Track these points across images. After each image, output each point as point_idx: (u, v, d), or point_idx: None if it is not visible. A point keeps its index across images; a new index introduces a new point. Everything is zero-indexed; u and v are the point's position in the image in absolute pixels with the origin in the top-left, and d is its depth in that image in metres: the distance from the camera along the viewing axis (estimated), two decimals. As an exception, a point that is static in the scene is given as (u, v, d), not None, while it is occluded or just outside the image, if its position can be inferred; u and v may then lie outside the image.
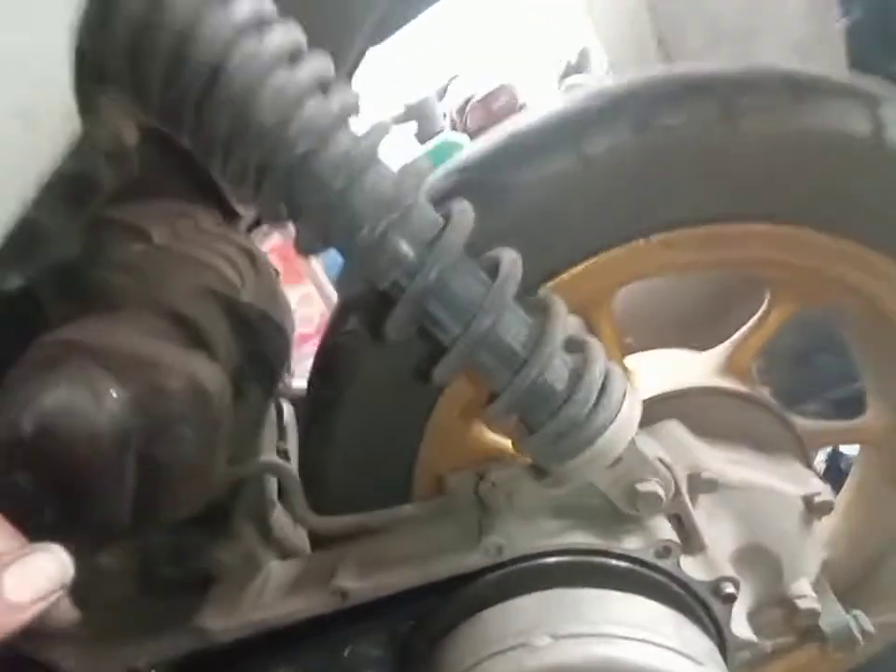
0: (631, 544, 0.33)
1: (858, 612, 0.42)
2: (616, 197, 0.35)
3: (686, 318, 0.58)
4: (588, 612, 0.30)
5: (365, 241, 0.27)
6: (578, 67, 1.66)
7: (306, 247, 0.29)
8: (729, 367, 0.44)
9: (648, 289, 0.47)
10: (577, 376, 0.30)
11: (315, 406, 0.40)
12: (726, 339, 0.46)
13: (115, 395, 0.30)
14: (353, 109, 0.27)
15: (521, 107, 1.71)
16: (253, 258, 0.44)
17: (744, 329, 0.44)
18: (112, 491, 0.30)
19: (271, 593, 0.37)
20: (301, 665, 0.35)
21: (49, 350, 0.30)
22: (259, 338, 0.39)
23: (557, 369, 0.30)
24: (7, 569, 0.22)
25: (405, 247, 0.28)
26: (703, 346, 0.48)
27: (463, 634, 0.32)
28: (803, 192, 0.35)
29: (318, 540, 0.41)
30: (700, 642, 0.32)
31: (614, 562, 0.33)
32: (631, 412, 0.31)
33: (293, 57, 0.26)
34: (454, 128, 1.79)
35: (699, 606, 0.34)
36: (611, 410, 0.30)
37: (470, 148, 0.37)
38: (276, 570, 0.38)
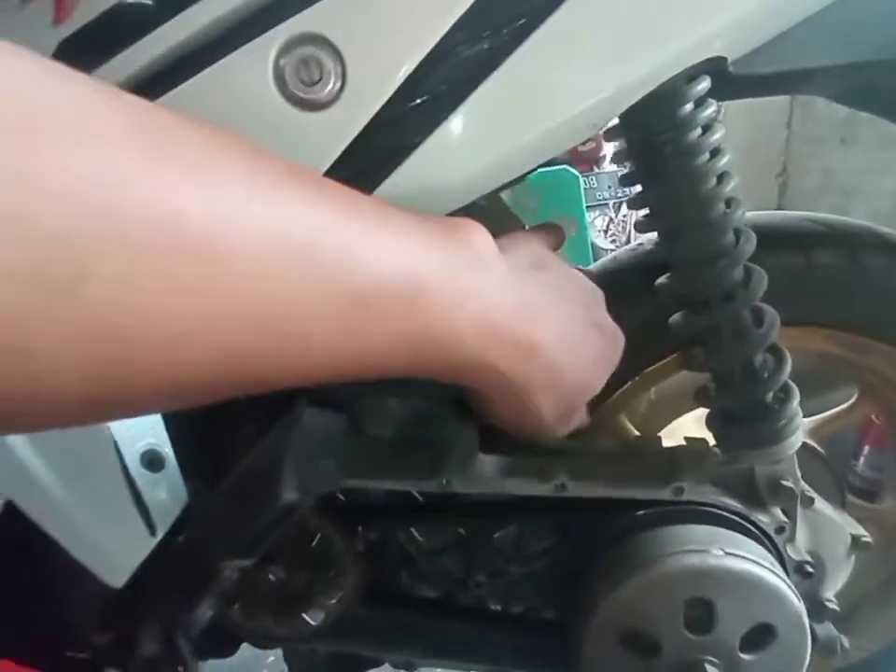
0: (763, 517, 0.48)
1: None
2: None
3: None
4: (741, 545, 0.45)
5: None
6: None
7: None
8: (815, 432, 0.61)
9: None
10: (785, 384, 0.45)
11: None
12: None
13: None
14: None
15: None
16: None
17: (834, 410, 0.62)
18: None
19: (492, 471, 0.50)
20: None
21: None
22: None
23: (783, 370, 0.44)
24: None
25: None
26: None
27: (648, 538, 0.46)
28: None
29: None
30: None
31: (750, 526, 0.48)
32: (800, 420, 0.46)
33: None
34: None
35: (788, 570, 0.49)
36: (799, 416, 0.46)
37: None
38: (488, 459, 0.51)
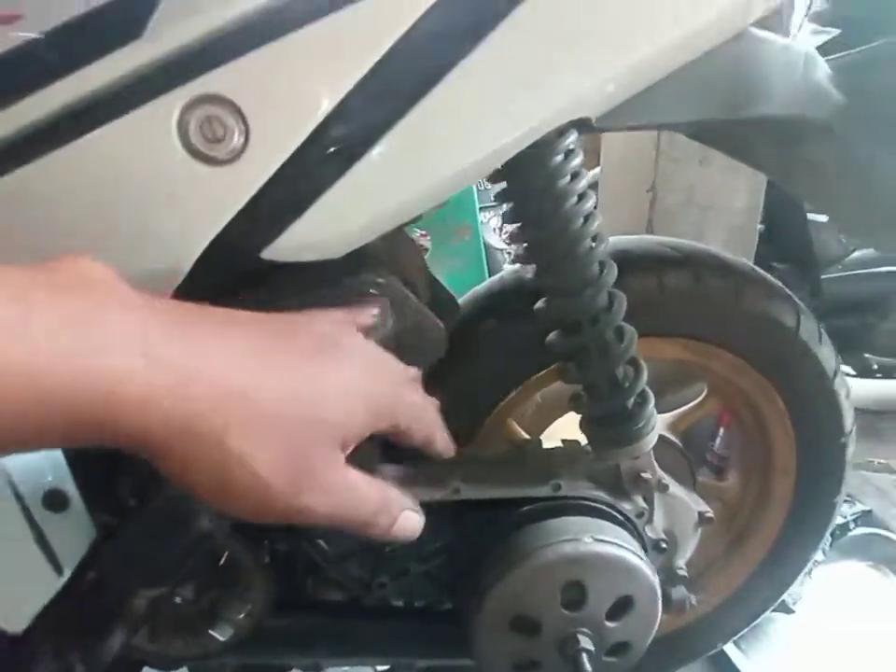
0: (627, 505, 0.56)
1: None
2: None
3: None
4: (607, 531, 0.52)
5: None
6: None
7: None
8: (672, 426, 0.71)
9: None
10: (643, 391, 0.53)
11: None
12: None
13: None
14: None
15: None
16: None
17: (687, 406, 0.71)
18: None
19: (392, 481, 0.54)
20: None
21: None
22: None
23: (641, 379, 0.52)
24: None
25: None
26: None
27: (530, 531, 0.52)
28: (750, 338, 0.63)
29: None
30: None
31: (616, 513, 0.56)
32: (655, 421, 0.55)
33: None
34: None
35: (647, 548, 0.57)
36: (654, 417, 0.53)
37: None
38: (388, 469, 0.55)
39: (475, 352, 0.59)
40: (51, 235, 0.34)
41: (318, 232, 0.37)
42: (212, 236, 0.36)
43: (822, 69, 0.51)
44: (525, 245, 0.49)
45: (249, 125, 0.34)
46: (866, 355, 1.58)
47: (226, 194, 0.35)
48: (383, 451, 0.51)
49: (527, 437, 0.66)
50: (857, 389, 1.87)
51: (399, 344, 0.47)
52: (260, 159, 0.34)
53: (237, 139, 0.34)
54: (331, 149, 0.36)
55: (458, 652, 0.56)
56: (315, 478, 0.28)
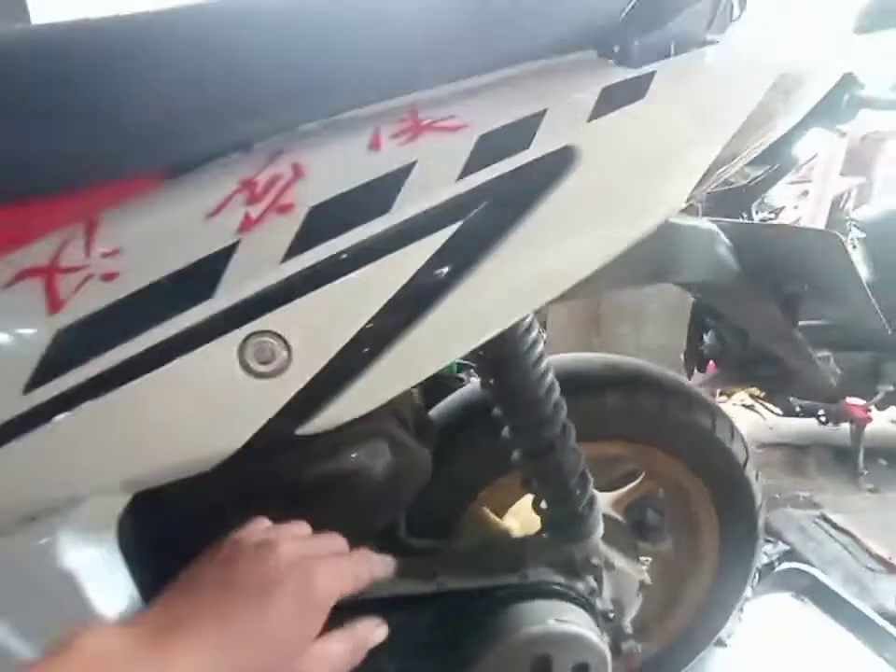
0: (581, 585, 0.69)
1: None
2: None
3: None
4: (567, 612, 0.65)
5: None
6: None
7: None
8: (616, 503, 0.84)
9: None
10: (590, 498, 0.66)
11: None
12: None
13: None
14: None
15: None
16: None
17: (628, 487, 0.85)
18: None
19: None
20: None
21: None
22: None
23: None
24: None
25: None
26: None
27: (505, 613, 0.64)
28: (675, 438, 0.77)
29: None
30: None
31: (573, 594, 0.68)
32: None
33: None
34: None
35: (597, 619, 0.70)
36: (599, 517, 0.66)
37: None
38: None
39: (453, 460, 0.71)
40: (139, 438, 0.45)
41: (344, 413, 0.48)
42: (257, 428, 0.47)
43: (723, 243, 0.65)
44: (494, 394, 0.62)
45: (292, 349, 0.45)
46: (790, 398, 1.77)
47: (270, 398, 0.46)
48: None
49: (499, 521, 0.78)
50: (783, 427, 2.07)
51: (392, 479, 0.58)
52: (299, 372, 0.45)
53: (282, 359, 0.45)
54: (355, 358, 0.47)
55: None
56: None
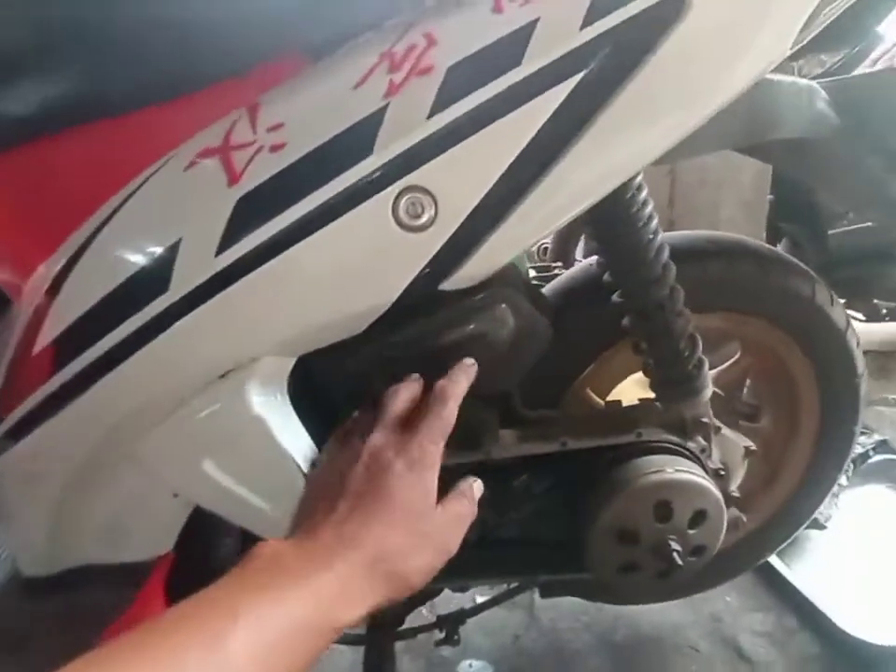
0: (692, 444, 0.73)
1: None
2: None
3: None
4: (682, 464, 0.69)
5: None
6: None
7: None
8: (716, 380, 0.87)
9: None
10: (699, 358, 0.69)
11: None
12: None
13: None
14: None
15: None
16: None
17: (726, 364, 0.88)
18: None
19: (512, 440, 0.70)
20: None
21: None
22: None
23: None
24: None
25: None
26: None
27: (625, 467, 0.69)
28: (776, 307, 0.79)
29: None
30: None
31: (686, 451, 0.72)
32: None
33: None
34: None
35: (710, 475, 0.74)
36: (708, 376, 0.70)
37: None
38: (506, 432, 0.72)
39: (562, 335, 0.75)
40: (307, 297, 0.51)
41: (484, 265, 0.53)
42: (409, 281, 0.52)
43: (822, 98, 0.66)
44: (603, 253, 0.65)
45: (438, 203, 0.50)
46: (874, 301, 1.73)
47: (421, 251, 0.51)
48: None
49: (600, 402, 0.83)
50: (867, 333, 2.03)
51: (515, 343, 0.63)
52: (445, 224, 0.51)
53: (430, 213, 0.50)
54: (494, 209, 0.51)
55: (570, 569, 0.73)
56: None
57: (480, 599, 0.94)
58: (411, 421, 0.49)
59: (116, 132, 0.53)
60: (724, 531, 0.71)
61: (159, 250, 0.50)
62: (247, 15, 0.52)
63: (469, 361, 0.54)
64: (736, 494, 0.80)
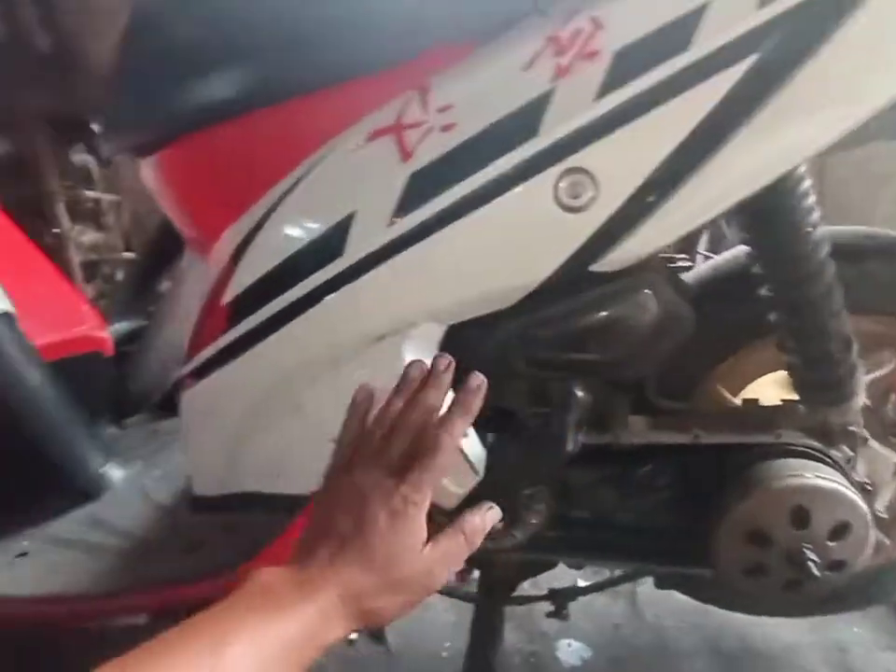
0: (836, 452, 0.69)
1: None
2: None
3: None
4: (824, 470, 0.66)
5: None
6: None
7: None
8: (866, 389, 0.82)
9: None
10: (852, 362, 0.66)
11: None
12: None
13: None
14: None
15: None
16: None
17: (880, 372, 0.82)
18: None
19: (642, 428, 0.71)
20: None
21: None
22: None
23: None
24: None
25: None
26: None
27: (761, 467, 0.67)
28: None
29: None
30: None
31: (828, 458, 0.69)
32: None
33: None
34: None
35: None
36: (861, 383, 0.66)
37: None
38: (636, 419, 0.72)
39: (703, 326, 0.73)
40: (465, 269, 0.54)
41: (637, 248, 0.54)
42: (562, 260, 0.54)
43: None
44: (755, 244, 0.63)
45: (599, 185, 0.51)
46: None
47: (579, 230, 0.53)
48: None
49: (733, 400, 0.80)
50: None
51: (655, 330, 0.63)
52: (604, 206, 0.52)
53: (590, 195, 0.52)
54: (653, 193, 0.52)
55: (690, 563, 0.72)
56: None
57: (581, 584, 0.95)
58: (410, 455, 0.46)
59: (298, 112, 0.59)
60: (868, 548, 0.67)
61: (336, 219, 0.55)
62: (418, 2, 0.56)
63: (478, 380, 0.47)
64: (883, 514, 0.75)
